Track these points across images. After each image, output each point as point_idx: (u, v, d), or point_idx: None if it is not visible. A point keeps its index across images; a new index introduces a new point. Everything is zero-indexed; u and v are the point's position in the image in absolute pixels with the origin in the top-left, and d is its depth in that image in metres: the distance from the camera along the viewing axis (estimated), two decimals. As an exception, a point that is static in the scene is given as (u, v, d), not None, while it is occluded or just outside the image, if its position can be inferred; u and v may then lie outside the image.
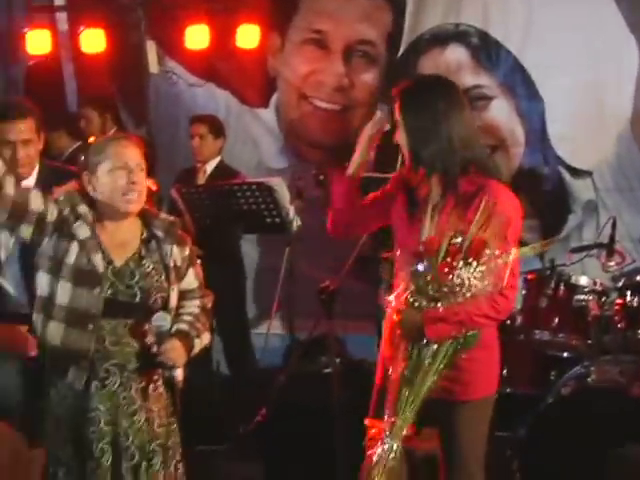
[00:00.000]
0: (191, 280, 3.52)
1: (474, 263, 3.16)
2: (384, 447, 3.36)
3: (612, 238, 4.72)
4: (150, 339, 3.32)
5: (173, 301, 3.43)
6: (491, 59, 6.91)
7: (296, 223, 5.66)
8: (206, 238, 5.81)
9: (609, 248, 4.72)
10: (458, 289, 3.19)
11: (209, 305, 3.58)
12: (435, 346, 3.29)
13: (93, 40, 6.75)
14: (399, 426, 3.34)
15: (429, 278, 3.22)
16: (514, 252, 3.25)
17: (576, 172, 6.88)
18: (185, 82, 7.45)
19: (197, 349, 3.47)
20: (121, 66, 7.31)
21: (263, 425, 4.65)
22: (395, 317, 3.35)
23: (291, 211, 5.64)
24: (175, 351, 3.34)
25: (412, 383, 3.31)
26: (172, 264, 3.43)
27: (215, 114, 6.78)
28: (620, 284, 4.74)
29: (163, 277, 3.40)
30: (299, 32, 7.34)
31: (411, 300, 3.27)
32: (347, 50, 7.22)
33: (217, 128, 6.38)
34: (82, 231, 3.33)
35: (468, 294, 3.19)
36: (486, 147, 6.92)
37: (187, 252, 3.50)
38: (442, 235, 3.26)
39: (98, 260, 3.32)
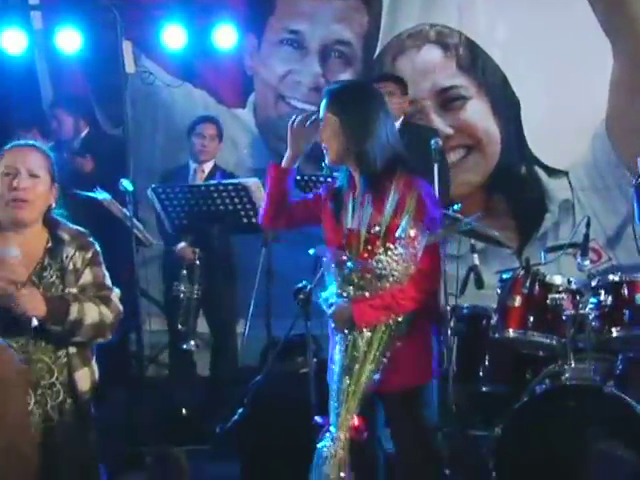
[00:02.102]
0: (86, 277, 3.39)
1: (392, 248, 3.28)
2: (332, 439, 3.43)
3: (586, 237, 4.74)
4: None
5: None
6: (467, 60, 6.95)
7: (273, 223, 5.66)
8: (202, 238, 5.87)
9: (584, 247, 4.74)
10: (380, 274, 3.30)
11: (109, 296, 3.42)
12: (369, 334, 3.38)
13: (68, 39, 6.71)
14: (344, 417, 3.41)
15: (352, 267, 3.32)
16: (431, 235, 3.37)
17: (552, 172, 6.94)
18: (162, 82, 7.45)
19: (75, 315, 3.26)
20: (97, 66, 7.28)
21: (240, 425, 4.65)
22: (328, 311, 3.46)
23: (268, 211, 5.63)
24: (32, 297, 3.18)
25: (351, 372, 3.40)
26: (71, 267, 3.33)
27: (193, 114, 6.78)
28: (594, 283, 4.76)
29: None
30: (276, 32, 7.36)
31: (339, 291, 3.37)
32: (323, 50, 7.24)
33: (222, 131, 6.41)
34: None
35: (391, 279, 3.31)
36: (462, 147, 7.00)
37: (89, 255, 3.39)
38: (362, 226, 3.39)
39: None
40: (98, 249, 3.43)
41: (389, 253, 3.29)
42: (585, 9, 6.61)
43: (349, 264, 3.34)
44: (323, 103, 3.61)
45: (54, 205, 3.38)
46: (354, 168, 3.59)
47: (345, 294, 3.37)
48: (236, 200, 5.60)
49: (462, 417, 5.11)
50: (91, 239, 3.43)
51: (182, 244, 6.04)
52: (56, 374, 3.30)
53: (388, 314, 3.37)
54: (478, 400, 5.26)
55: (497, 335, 4.84)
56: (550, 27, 6.66)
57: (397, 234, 3.30)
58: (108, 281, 3.45)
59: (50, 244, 3.33)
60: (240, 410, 4.63)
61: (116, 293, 3.47)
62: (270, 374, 4.83)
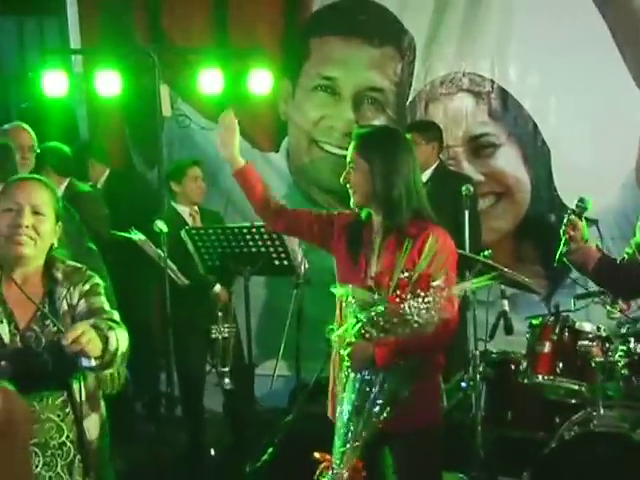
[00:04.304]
0: (80, 308, 3.12)
1: (422, 295, 3.30)
2: (334, 477, 3.43)
3: (616, 285, 4.77)
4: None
5: None
6: (499, 108, 7.02)
7: (304, 266, 5.72)
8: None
9: (613, 295, 4.78)
10: (407, 319, 3.30)
11: (114, 318, 3.13)
12: (382, 376, 3.40)
13: (108, 83, 6.84)
14: (349, 455, 3.42)
15: (380, 310, 3.33)
16: (459, 287, 3.43)
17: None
18: (197, 125, 7.56)
19: (113, 347, 2.97)
20: (134, 109, 7.41)
21: (270, 465, 4.68)
22: (344, 350, 3.45)
23: (299, 254, 5.70)
24: (86, 335, 2.83)
25: (362, 413, 3.41)
26: (65, 307, 3.09)
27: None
28: (624, 331, 4.78)
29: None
30: (310, 78, 7.46)
31: (362, 332, 3.37)
32: (357, 97, 7.32)
33: None
34: None
35: (416, 325, 3.31)
36: (492, 194, 7.05)
37: (87, 287, 3.14)
38: (389, 271, 3.42)
39: (4, 330, 3.00)
40: (98, 281, 3.19)
41: (419, 301, 3.31)
42: (617, 59, 6.66)
43: (378, 307, 3.36)
44: (352, 146, 3.64)
45: (56, 244, 3.17)
46: (377, 212, 3.62)
47: (367, 335, 3.37)
48: (268, 242, 5.65)
49: (490, 463, 5.11)
50: (89, 272, 3.19)
51: (218, 286, 6.12)
52: (66, 432, 3.07)
53: (406, 359, 3.41)
54: (506, 446, 5.26)
55: (526, 381, 4.86)
56: (581, 77, 6.71)
57: (432, 283, 3.32)
58: (107, 306, 3.17)
59: (50, 286, 3.11)
60: (270, 450, 4.66)
61: (117, 315, 3.17)
62: (300, 415, 4.86)
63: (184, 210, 6.37)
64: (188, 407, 6.30)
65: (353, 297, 3.40)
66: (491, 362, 5.32)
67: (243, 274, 5.71)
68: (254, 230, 5.70)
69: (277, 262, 5.74)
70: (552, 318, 4.88)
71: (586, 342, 4.71)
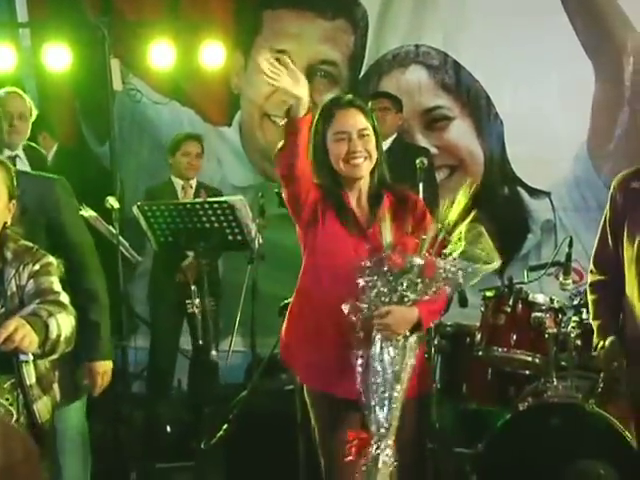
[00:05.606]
0: (28, 289, 3.04)
1: (450, 253, 3.34)
2: (383, 451, 3.35)
3: (569, 257, 4.81)
4: None
5: None
6: (451, 80, 7.02)
7: (258, 241, 5.69)
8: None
9: (566, 266, 4.81)
10: (441, 276, 3.32)
11: (60, 300, 3.04)
12: (402, 340, 3.37)
13: (57, 57, 6.74)
14: (394, 425, 3.36)
15: (418, 272, 3.31)
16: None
17: (534, 192, 6.99)
18: (149, 100, 7.48)
19: (54, 334, 2.90)
20: (84, 83, 7.31)
21: (225, 441, 4.68)
22: (381, 318, 3.35)
23: (253, 229, 5.66)
24: (25, 330, 2.78)
25: (398, 379, 3.35)
26: (14, 289, 3.02)
27: (179, 131, 6.83)
28: (576, 302, 4.83)
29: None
30: (262, 52, 7.39)
31: (401, 297, 3.34)
32: (309, 70, 7.28)
33: (204, 148, 6.55)
34: None
35: (442, 283, 3.33)
36: (446, 167, 7.06)
37: (37, 267, 3.05)
38: (400, 236, 3.47)
39: None
40: (50, 260, 3.11)
41: (450, 259, 3.34)
42: (569, 32, 6.68)
43: (413, 271, 3.32)
44: (362, 115, 3.62)
45: (9, 223, 3.11)
46: (367, 178, 3.63)
47: (406, 299, 3.35)
48: (222, 218, 5.60)
49: (445, 434, 5.14)
50: (41, 252, 3.11)
51: (189, 259, 6.08)
52: (16, 416, 3.01)
53: (437, 318, 3.55)
54: (461, 418, 5.30)
55: (480, 353, 4.88)
56: (534, 49, 6.72)
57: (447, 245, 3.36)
58: (57, 287, 3.08)
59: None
60: (225, 426, 4.65)
61: (65, 296, 3.10)
62: (255, 391, 4.85)
63: (178, 182, 6.38)
64: (154, 384, 6.31)
65: (387, 265, 3.34)
66: (446, 335, 5.32)
67: (196, 250, 5.67)
68: (207, 205, 5.65)
69: (231, 237, 5.69)
70: (505, 290, 4.89)
71: (539, 314, 4.73)
